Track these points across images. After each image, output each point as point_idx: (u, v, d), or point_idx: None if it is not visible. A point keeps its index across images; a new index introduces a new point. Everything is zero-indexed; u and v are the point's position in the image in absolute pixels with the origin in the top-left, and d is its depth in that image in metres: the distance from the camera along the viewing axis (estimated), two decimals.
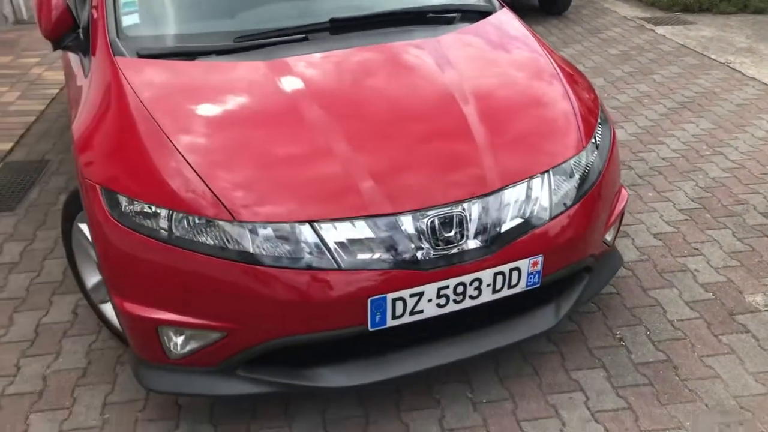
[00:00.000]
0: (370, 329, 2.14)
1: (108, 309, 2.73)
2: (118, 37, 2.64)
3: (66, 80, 3.41)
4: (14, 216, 3.85)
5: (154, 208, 2.14)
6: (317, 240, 2.08)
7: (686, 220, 3.62)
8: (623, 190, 2.78)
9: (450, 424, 2.40)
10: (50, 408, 2.52)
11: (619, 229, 2.79)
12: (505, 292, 2.27)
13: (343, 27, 2.76)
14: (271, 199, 2.13)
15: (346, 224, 2.10)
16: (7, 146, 4.75)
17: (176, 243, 2.11)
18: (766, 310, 2.93)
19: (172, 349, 2.22)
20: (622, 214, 2.74)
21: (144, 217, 2.15)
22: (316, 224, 2.08)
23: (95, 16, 2.77)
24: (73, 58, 3.07)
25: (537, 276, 2.30)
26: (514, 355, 2.70)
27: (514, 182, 2.27)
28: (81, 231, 2.66)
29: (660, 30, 7.24)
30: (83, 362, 2.74)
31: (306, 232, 2.08)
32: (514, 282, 2.26)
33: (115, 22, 2.69)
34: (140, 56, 2.57)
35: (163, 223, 2.13)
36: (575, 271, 2.47)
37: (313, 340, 2.15)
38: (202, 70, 2.53)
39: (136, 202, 2.17)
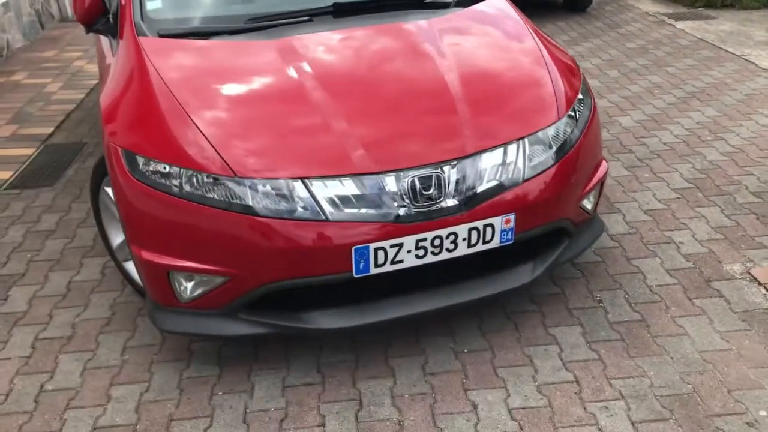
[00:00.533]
0: (354, 275, 2.39)
1: (130, 266, 3.04)
2: (142, 19, 2.94)
3: (98, 60, 3.72)
4: (53, 191, 4.20)
5: (167, 167, 2.43)
6: (308, 195, 2.34)
7: (678, 198, 3.79)
8: (603, 162, 2.98)
9: (432, 369, 2.64)
10: (77, 350, 2.83)
11: (599, 197, 2.99)
12: (480, 247, 2.50)
13: (345, 10, 3.02)
14: (269, 159, 2.40)
15: (335, 182, 2.36)
16: (49, 130, 5.13)
17: (186, 197, 2.39)
18: (741, 278, 3.09)
19: (182, 293, 2.51)
20: (601, 184, 2.94)
21: (159, 175, 2.44)
22: (307, 181, 2.35)
23: (123, 2, 3.07)
24: (103, 40, 3.39)
25: (510, 233, 2.52)
26: (497, 313, 2.92)
27: (490, 147, 2.50)
28: (107, 193, 2.97)
29: (680, 25, 7.35)
30: (108, 313, 3.04)
31: (299, 188, 2.35)
32: (488, 238, 2.49)
33: (140, 7, 2.99)
34: (161, 36, 2.86)
35: (175, 180, 2.41)
36: (549, 231, 2.68)
37: (304, 284, 2.41)
38: (214, 48, 2.82)
39: (152, 162, 2.45)
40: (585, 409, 2.43)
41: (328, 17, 3.03)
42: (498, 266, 2.67)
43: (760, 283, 3.04)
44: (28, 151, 4.79)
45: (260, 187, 2.35)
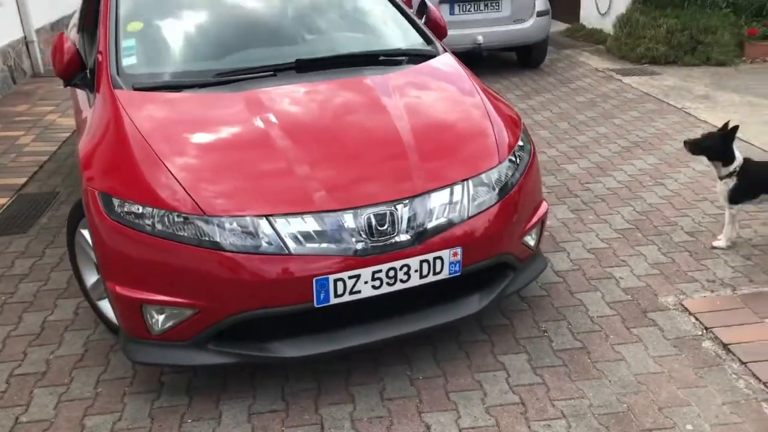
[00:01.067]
0: (315, 305, 2.60)
1: (104, 305, 3.20)
2: (117, 74, 3.18)
3: (74, 113, 3.92)
4: (26, 237, 4.35)
5: (141, 208, 2.64)
6: (272, 231, 2.56)
7: (619, 238, 4.08)
8: (544, 202, 3.25)
9: (389, 395, 2.83)
10: (51, 384, 2.97)
11: (541, 235, 3.26)
12: (431, 278, 2.73)
13: (307, 66, 3.29)
14: (236, 199, 2.63)
15: (297, 219, 2.59)
16: (21, 180, 5.29)
17: (158, 235, 2.60)
18: (674, 309, 3.36)
19: (153, 325, 2.68)
20: (542, 222, 3.21)
21: (133, 215, 2.65)
22: (272, 218, 2.57)
23: (100, 59, 3.31)
24: (80, 94, 3.61)
25: (458, 265, 2.76)
26: (451, 342, 3.14)
27: (438, 188, 2.76)
28: (83, 235, 3.15)
29: (627, 80, 7.81)
30: (81, 350, 3.19)
31: (264, 225, 2.57)
32: (438, 269, 2.72)
33: (116, 62, 3.23)
34: (135, 89, 3.10)
35: (148, 220, 2.62)
36: (494, 265, 2.93)
37: (269, 314, 2.61)
38: (184, 100, 3.07)
39: (126, 203, 2.66)
40: (529, 427, 2.64)
41: (291, 72, 3.30)
42: (448, 297, 2.90)
43: (690, 313, 3.30)
44: (1, 201, 4.94)
45: (227, 225, 2.57)
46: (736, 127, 3.72)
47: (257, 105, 3.00)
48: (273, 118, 2.94)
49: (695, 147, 3.85)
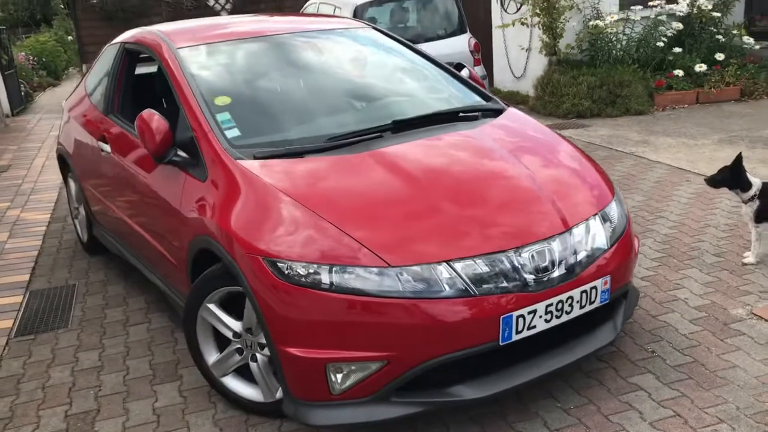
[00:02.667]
0: (501, 344, 2.70)
1: (230, 381, 3.12)
2: (230, 146, 3.18)
3: (158, 193, 3.62)
4: (72, 331, 4.11)
5: (316, 267, 2.65)
6: (453, 275, 2.65)
7: (660, 265, 4.43)
8: (636, 236, 3.54)
9: (554, 426, 2.94)
10: None
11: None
12: (588, 308, 2.91)
13: (401, 126, 3.43)
14: (412, 247, 2.70)
15: (471, 261, 2.69)
16: (24, 277, 4.98)
17: (338, 291, 2.62)
18: (748, 318, 3.70)
19: (335, 385, 2.66)
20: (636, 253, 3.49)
21: (307, 275, 2.65)
22: (450, 263, 2.66)
23: (198, 134, 3.29)
24: (163, 175, 3.51)
25: (607, 293, 2.96)
26: (576, 373, 3.29)
27: (580, 222, 2.97)
28: (209, 310, 3.07)
29: (566, 132, 8.44)
30: (215, 430, 3.06)
31: (444, 270, 2.65)
32: (593, 299, 2.91)
33: (223, 136, 3.23)
34: (256, 158, 3.12)
35: (324, 277, 2.64)
36: (624, 292, 3.15)
37: (457, 357, 2.67)
38: (315, 163, 3.11)
39: (298, 264, 2.66)
40: None
41: (388, 132, 3.42)
42: (588, 328, 3.07)
43: (765, 320, 3.66)
44: (16, 299, 4.62)
45: (410, 273, 2.63)
46: (739, 156, 4.22)
47: (390, 162, 3.10)
48: (412, 172, 3.05)
49: (714, 182, 4.31)
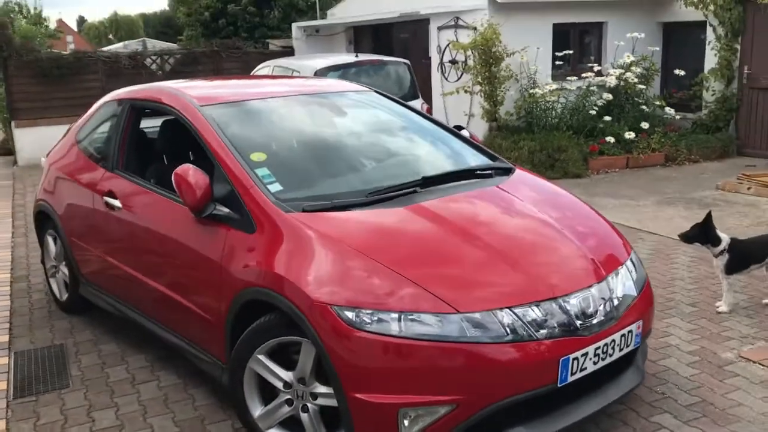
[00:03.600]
0: (558, 385, 2.86)
1: None
2: (277, 199, 3.27)
3: (191, 248, 3.58)
4: (77, 391, 3.99)
5: (384, 314, 2.76)
6: (517, 320, 2.82)
7: None
8: None
9: None
10: None
11: None
12: (625, 350, 3.13)
13: (430, 182, 3.60)
14: (474, 293, 2.86)
15: (529, 308, 2.87)
16: (4, 338, 4.76)
17: (407, 336, 2.73)
18: (738, 361, 4.03)
19: (404, 430, 2.75)
20: None
21: (377, 322, 2.76)
22: (512, 309, 2.84)
23: (240, 189, 3.34)
24: (198, 229, 3.52)
25: (639, 337, 3.20)
26: (602, 417, 3.48)
27: (614, 270, 3.22)
28: (258, 361, 3.10)
29: None
30: None
31: (507, 316, 2.82)
32: (629, 342, 3.14)
33: (267, 190, 3.31)
34: (305, 211, 3.22)
35: (394, 324, 2.75)
36: (647, 336, 3.40)
37: (520, 400, 2.81)
38: (366, 216, 3.23)
39: (367, 312, 2.77)
40: None
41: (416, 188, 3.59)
42: (617, 371, 3.28)
43: (754, 362, 4.00)
44: (2, 361, 4.42)
45: (474, 318, 2.78)
46: (709, 215, 4.64)
47: (434, 215, 3.26)
48: (458, 224, 3.22)
49: (687, 238, 4.71)
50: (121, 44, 20.15)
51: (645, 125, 10.39)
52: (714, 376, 3.87)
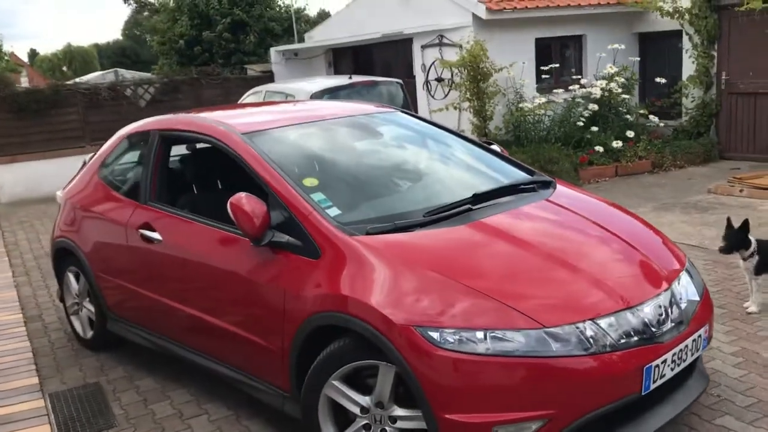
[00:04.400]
0: (642, 393, 2.89)
1: None
2: (339, 224, 3.25)
3: (247, 277, 3.53)
4: (125, 429, 3.90)
5: (470, 332, 2.76)
6: (600, 332, 2.83)
7: None
8: None
9: None
10: None
11: None
12: (696, 354, 3.17)
13: (480, 198, 3.62)
14: (556, 307, 2.87)
15: (610, 318, 2.90)
16: (33, 381, 4.63)
17: (494, 354, 2.73)
18: None
19: None
20: None
21: (462, 341, 2.75)
22: (595, 321, 2.86)
23: (300, 216, 3.30)
24: (255, 258, 3.48)
25: (706, 341, 3.25)
26: (665, 424, 3.51)
27: (676, 278, 3.26)
28: (334, 387, 3.07)
29: None
30: None
31: (590, 328, 2.84)
32: (699, 346, 3.18)
33: (327, 215, 3.30)
34: (369, 234, 3.21)
35: (481, 342, 2.75)
36: (710, 340, 3.45)
37: (608, 410, 2.83)
38: (431, 236, 3.23)
39: (451, 331, 2.76)
40: None
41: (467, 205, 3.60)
42: (683, 378, 3.31)
43: None
44: (37, 403, 4.30)
45: (559, 332, 2.80)
46: (746, 221, 4.70)
47: (498, 231, 3.27)
48: (524, 239, 3.23)
49: (728, 249, 4.72)
50: (99, 74, 19.90)
51: (630, 134, 10.60)
52: (762, 376, 3.94)
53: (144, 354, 4.76)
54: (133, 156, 4.63)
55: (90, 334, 5.04)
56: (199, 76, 13.35)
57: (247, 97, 10.06)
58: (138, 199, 4.37)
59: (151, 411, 4.09)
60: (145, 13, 24.40)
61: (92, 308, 4.93)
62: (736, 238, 4.72)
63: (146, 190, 4.32)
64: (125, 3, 18.34)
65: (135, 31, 48.87)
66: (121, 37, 52.94)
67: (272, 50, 14.43)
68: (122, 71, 18.67)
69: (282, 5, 18.59)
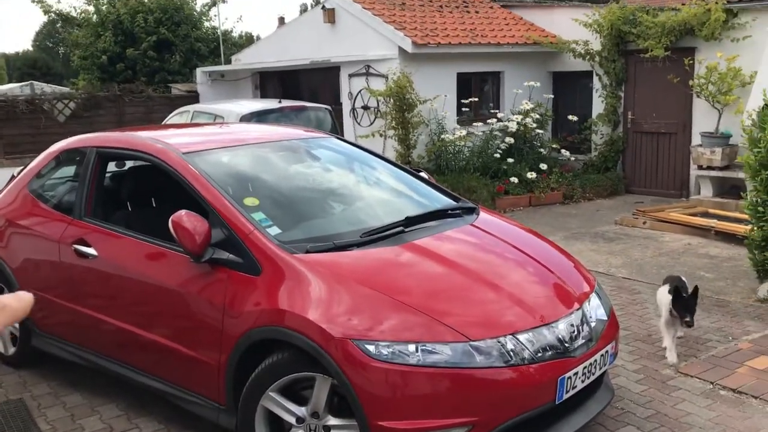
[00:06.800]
0: (556, 402, 3.17)
1: None
2: (280, 242, 3.42)
3: (186, 293, 3.64)
4: None
5: (402, 345, 2.98)
6: (520, 345, 3.11)
7: None
8: None
9: None
10: None
11: None
12: (603, 369, 3.49)
13: (413, 221, 3.86)
14: (481, 322, 3.13)
15: (528, 334, 3.18)
16: None
17: (424, 365, 2.97)
18: (678, 376, 4.52)
19: None
20: None
21: (396, 353, 2.97)
22: (515, 335, 3.13)
23: (241, 234, 3.43)
24: (193, 274, 3.58)
25: (613, 356, 3.58)
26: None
27: (586, 298, 3.59)
28: (271, 398, 3.22)
29: None
30: None
31: (510, 342, 3.11)
32: (606, 361, 3.50)
33: (268, 234, 3.46)
34: (309, 252, 3.39)
35: (412, 354, 2.98)
36: (615, 357, 3.79)
37: (524, 419, 3.09)
38: (368, 255, 3.44)
39: (383, 343, 2.98)
40: None
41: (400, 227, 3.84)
42: (591, 391, 3.62)
43: (692, 376, 4.50)
44: None
45: (483, 345, 3.05)
46: (696, 288, 4.70)
47: (428, 252, 3.52)
48: (451, 260, 3.49)
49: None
50: (14, 85, 19.25)
51: (544, 166, 11.17)
52: (661, 391, 4.32)
53: (69, 371, 4.75)
54: (67, 171, 4.65)
55: (12, 350, 4.97)
56: (122, 93, 13.19)
57: (173, 117, 10.05)
58: (72, 214, 4.40)
59: (80, 426, 4.10)
60: (58, 24, 23.71)
61: (16, 324, 4.87)
62: (693, 305, 4.64)
63: (81, 206, 4.36)
64: (45, 15, 17.79)
65: (47, 42, 47.34)
66: (31, 48, 51.05)
67: (198, 70, 14.43)
68: (40, 84, 18.17)
69: (209, 26, 18.58)
